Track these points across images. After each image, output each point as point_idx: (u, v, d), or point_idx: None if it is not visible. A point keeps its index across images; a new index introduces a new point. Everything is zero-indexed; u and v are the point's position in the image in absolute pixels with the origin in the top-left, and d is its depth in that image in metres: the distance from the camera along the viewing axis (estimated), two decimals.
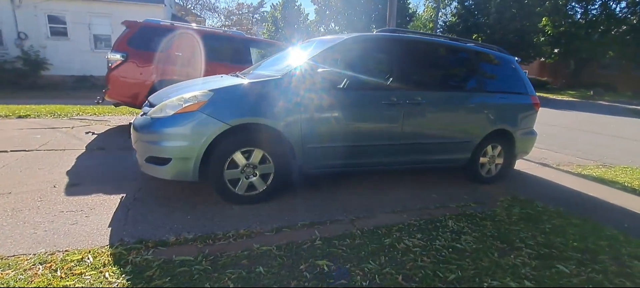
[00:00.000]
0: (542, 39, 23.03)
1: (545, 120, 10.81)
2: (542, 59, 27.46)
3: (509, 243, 2.32)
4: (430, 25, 30.77)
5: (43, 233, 2.10)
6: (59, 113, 6.38)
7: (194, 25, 5.81)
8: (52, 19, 12.53)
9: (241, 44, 5.59)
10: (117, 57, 4.67)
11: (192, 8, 28.54)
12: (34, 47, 12.24)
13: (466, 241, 2.33)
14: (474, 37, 22.87)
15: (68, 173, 3.18)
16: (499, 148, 3.82)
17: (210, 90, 2.53)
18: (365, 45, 3.12)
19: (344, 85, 2.81)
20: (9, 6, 11.85)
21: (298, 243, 2.20)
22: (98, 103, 5.40)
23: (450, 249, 2.19)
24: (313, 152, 2.84)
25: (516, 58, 4.13)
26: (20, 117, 5.89)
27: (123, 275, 1.73)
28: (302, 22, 31.62)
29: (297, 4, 31.95)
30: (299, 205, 2.82)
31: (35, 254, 1.86)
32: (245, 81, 2.73)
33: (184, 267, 1.84)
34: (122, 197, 2.71)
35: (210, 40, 5.31)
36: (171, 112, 2.49)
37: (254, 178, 2.72)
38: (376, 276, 1.86)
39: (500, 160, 3.87)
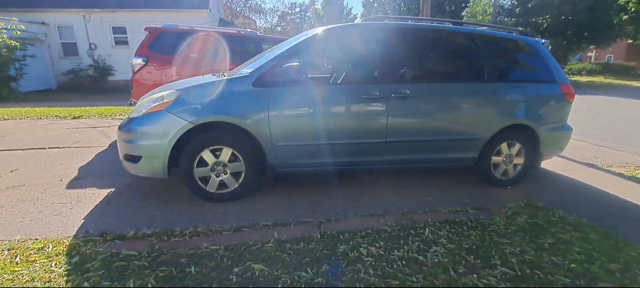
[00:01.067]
0: (625, 17, 19.49)
1: (616, 111, 9.22)
2: (630, 41, 23.39)
3: (485, 260, 1.99)
4: (490, 10, 28.28)
5: (28, 222, 2.36)
6: (106, 114, 7.19)
7: (208, 27, 6.04)
8: (115, 30, 14.17)
9: (253, 43, 5.69)
10: (139, 61, 5.07)
11: (241, 11, 29.94)
12: (102, 55, 14.01)
13: (434, 253, 2.05)
14: (540, 21, 20.19)
15: (80, 168, 3.53)
16: (518, 146, 3.31)
17: (176, 90, 2.60)
18: (341, 37, 2.92)
19: (313, 79, 2.67)
20: (81, 21, 13.70)
21: (248, 244, 2.14)
22: (131, 104, 5.94)
23: (404, 262, 1.94)
24: (284, 150, 2.75)
25: (543, 40, 3.54)
26: (74, 117, 6.76)
27: (66, 265, 1.85)
28: (345, 16, 31.30)
29: None
30: (272, 205, 2.76)
31: (9, 241, 2.09)
32: (213, 80, 2.75)
33: (124, 261, 1.90)
34: (110, 191, 2.92)
35: (224, 40, 5.49)
36: (144, 111, 2.61)
37: (225, 176, 2.72)
38: (303, 286, 1.72)
39: (519, 160, 3.36)
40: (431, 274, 1.82)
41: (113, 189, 2.96)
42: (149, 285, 1.70)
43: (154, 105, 2.57)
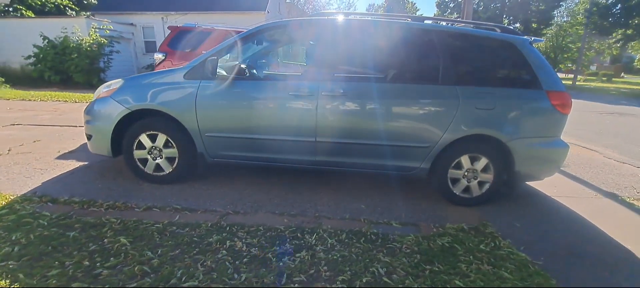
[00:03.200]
0: None
1: None
2: None
3: (336, 273, 1.82)
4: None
5: (4, 180, 2.93)
6: None
7: (222, 26, 6.48)
8: None
9: None
10: (160, 56, 5.75)
11: (308, 12, 31.03)
12: None
13: (290, 258, 1.96)
14: None
15: (82, 144, 4.18)
16: (484, 160, 2.87)
17: (122, 79, 2.92)
18: (273, 34, 2.91)
19: (237, 75, 2.74)
20: (160, 23, 15.89)
21: (142, 223, 2.32)
22: None
23: (249, 260, 1.90)
24: (212, 141, 2.88)
25: (532, 38, 2.97)
26: None
27: None
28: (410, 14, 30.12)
29: None
30: (199, 191, 2.92)
31: None
32: (157, 72, 3.01)
33: (32, 218, 2.25)
34: (83, 164, 3.42)
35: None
36: (97, 97, 3.01)
37: (160, 160, 2.97)
38: (136, 263, 1.82)
39: (487, 176, 2.91)
40: (257, 276, 1.75)
41: (86, 163, 3.46)
42: (24, 241, 1.99)
43: (103, 91, 2.95)
